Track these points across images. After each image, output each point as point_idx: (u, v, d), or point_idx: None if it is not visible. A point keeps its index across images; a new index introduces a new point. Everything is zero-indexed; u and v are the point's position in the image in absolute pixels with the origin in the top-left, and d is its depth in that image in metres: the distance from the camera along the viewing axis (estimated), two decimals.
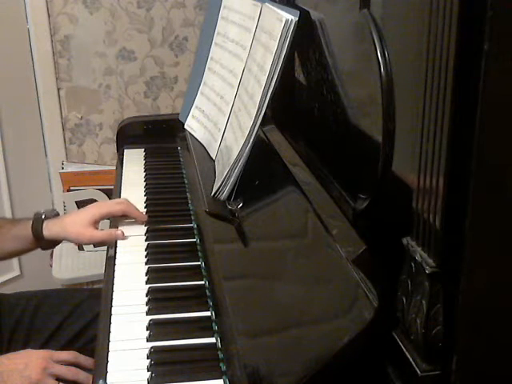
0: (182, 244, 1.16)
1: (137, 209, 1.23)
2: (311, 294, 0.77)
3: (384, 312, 0.64)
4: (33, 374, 0.98)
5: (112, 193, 1.49)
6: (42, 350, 1.06)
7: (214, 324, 0.92)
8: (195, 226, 1.21)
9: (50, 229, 1.19)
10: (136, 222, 1.22)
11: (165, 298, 1.00)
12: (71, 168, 2.19)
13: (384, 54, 0.72)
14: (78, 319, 1.23)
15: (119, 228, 1.20)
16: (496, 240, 0.57)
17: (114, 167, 1.65)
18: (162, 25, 2.19)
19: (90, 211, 1.20)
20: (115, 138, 1.69)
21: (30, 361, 1.01)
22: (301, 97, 1.17)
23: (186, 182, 1.41)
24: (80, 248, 2.03)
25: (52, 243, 1.23)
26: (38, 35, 2.10)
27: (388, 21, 0.74)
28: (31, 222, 1.20)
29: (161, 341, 0.89)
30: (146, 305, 0.98)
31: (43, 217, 1.21)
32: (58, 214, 1.26)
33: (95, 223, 1.18)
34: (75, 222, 1.18)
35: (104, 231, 1.19)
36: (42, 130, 2.21)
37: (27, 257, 1.45)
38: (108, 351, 0.88)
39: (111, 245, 1.16)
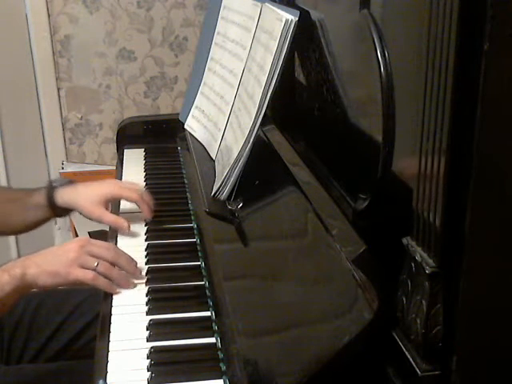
0: (182, 244, 1.16)
1: (148, 204, 1.21)
2: (311, 294, 0.77)
3: (384, 312, 0.64)
4: (70, 253, 0.98)
5: None
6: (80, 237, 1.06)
7: (214, 324, 0.92)
8: (195, 225, 1.21)
9: (62, 196, 1.20)
10: (138, 218, 1.22)
11: (165, 298, 1.00)
12: (71, 168, 2.19)
13: (384, 54, 0.72)
14: (78, 319, 1.23)
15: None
16: (496, 240, 0.57)
17: (114, 167, 1.65)
18: (162, 25, 2.19)
19: (104, 189, 1.19)
20: (115, 138, 1.69)
21: (67, 244, 1.02)
22: (301, 97, 1.17)
23: (185, 181, 1.41)
24: None
25: (66, 210, 1.24)
26: (38, 35, 2.10)
27: (388, 21, 0.74)
28: (46, 190, 1.21)
29: (161, 341, 0.89)
30: (146, 305, 0.97)
31: (55, 184, 1.22)
32: (71, 182, 1.26)
33: (106, 202, 1.18)
34: (87, 197, 1.18)
35: (113, 216, 1.18)
36: (42, 130, 2.21)
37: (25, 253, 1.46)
38: (108, 351, 0.87)
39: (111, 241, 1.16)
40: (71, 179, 1.28)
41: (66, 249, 1.00)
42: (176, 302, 0.98)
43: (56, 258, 0.98)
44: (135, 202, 1.20)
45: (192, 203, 1.30)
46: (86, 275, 0.97)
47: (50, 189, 1.21)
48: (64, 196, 1.20)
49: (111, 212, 1.22)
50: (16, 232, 1.39)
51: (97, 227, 1.80)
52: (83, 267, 0.98)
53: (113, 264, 1.01)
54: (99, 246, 1.02)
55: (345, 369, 0.66)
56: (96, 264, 0.98)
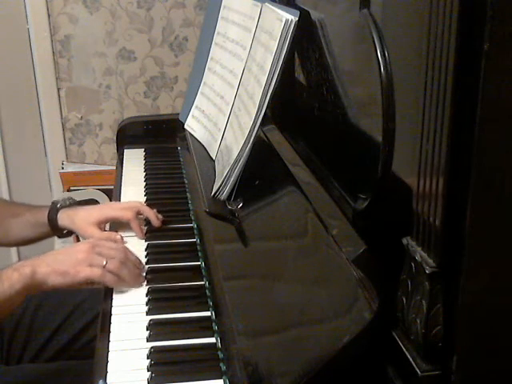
0: (182, 244, 1.16)
1: (140, 226, 1.22)
2: (311, 294, 0.77)
3: (384, 312, 0.64)
4: (80, 254, 1.00)
5: (112, 193, 1.49)
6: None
7: (214, 324, 0.92)
8: (195, 225, 1.21)
9: (62, 219, 1.22)
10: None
11: (165, 298, 1.00)
12: (71, 168, 2.19)
13: (384, 54, 0.72)
14: (78, 319, 1.23)
15: (119, 232, 1.20)
16: (496, 240, 0.57)
17: (114, 167, 1.65)
18: (162, 25, 2.19)
19: (100, 211, 1.22)
20: (115, 138, 1.69)
21: (77, 244, 1.06)
22: (301, 97, 1.17)
23: (186, 181, 1.41)
24: None
25: (67, 232, 1.26)
26: (38, 35, 2.10)
27: (388, 21, 0.74)
28: (48, 211, 1.24)
29: (161, 341, 0.89)
30: (146, 305, 0.98)
31: (58, 206, 1.24)
32: (74, 203, 1.28)
33: (100, 223, 1.20)
34: (84, 218, 1.21)
35: (105, 233, 1.20)
36: (42, 130, 2.21)
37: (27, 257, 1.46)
38: (108, 351, 0.88)
39: None
40: (74, 199, 1.30)
41: (76, 249, 1.02)
42: (176, 302, 0.98)
43: (66, 258, 1.00)
44: (128, 221, 1.20)
45: (192, 203, 1.30)
46: (94, 272, 0.99)
47: (53, 210, 1.24)
48: (64, 219, 1.22)
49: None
50: (13, 245, 1.41)
51: None
52: (92, 266, 0.99)
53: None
54: (109, 247, 1.04)
55: (345, 369, 0.66)
56: (105, 262, 0.99)
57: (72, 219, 1.22)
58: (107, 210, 1.24)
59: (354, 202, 0.82)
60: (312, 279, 0.78)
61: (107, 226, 1.27)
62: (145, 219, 1.23)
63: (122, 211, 1.21)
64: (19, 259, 2.17)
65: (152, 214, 1.21)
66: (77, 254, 1.00)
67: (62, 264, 0.98)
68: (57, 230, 1.24)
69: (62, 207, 1.24)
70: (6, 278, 0.95)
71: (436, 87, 0.56)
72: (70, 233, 1.27)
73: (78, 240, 2.04)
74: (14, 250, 2.18)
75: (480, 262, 0.57)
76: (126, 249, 1.08)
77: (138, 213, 1.22)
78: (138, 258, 1.07)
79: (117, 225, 1.24)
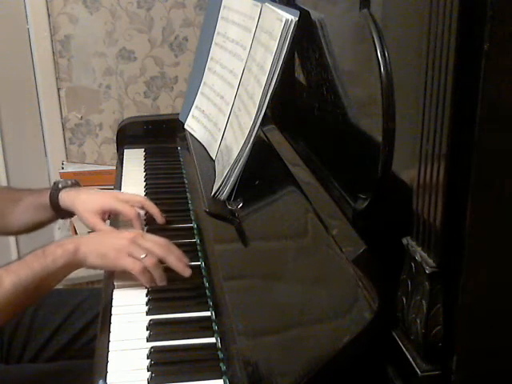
0: (182, 244, 1.16)
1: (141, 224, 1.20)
2: (311, 294, 0.77)
3: (384, 312, 0.64)
4: (122, 240, 1.00)
5: None
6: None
7: (214, 324, 0.92)
8: (195, 225, 1.21)
9: (64, 199, 1.22)
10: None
11: (165, 298, 1.00)
12: (71, 168, 2.19)
13: (384, 54, 0.72)
14: (78, 319, 1.23)
15: (119, 226, 1.20)
16: (496, 240, 0.57)
17: (114, 167, 1.65)
18: (162, 25, 2.19)
19: (103, 200, 1.20)
20: (115, 138, 1.68)
21: (122, 231, 1.09)
22: (301, 97, 1.17)
23: (186, 181, 1.41)
24: None
25: (69, 213, 1.25)
26: (38, 35, 2.10)
27: (388, 21, 0.74)
28: (49, 192, 1.23)
29: (161, 341, 0.89)
30: (146, 305, 0.98)
31: (60, 186, 1.24)
32: (76, 184, 1.28)
33: (103, 213, 1.19)
34: (85, 205, 1.19)
35: (106, 227, 1.19)
36: (42, 130, 2.21)
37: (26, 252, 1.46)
38: (108, 351, 0.88)
39: None
40: (76, 180, 1.30)
41: (119, 235, 1.03)
42: (176, 302, 0.98)
43: (108, 242, 1.01)
44: (130, 219, 1.18)
45: (192, 203, 1.30)
46: (135, 266, 0.98)
47: (54, 191, 1.23)
48: (66, 199, 1.22)
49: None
50: (18, 232, 1.41)
51: None
52: (131, 256, 0.99)
53: (161, 261, 1.01)
54: (151, 241, 1.03)
55: (345, 369, 0.66)
56: (144, 256, 0.99)
57: (73, 202, 1.20)
58: (110, 200, 1.21)
59: (354, 202, 0.82)
60: (312, 279, 0.78)
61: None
62: (144, 219, 1.23)
63: (126, 207, 1.19)
64: (18, 254, 2.17)
65: (156, 211, 1.20)
66: (120, 239, 1.01)
67: (103, 246, 0.99)
68: (59, 212, 1.24)
69: (64, 187, 1.24)
70: (49, 252, 0.96)
71: (436, 87, 0.56)
72: (71, 214, 1.25)
73: (75, 231, 2.05)
74: (13, 245, 2.18)
75: (480, 261, 0.57)
76: (170, 244, 1.04)
77: (141, 208, 1.21)
78: (180, 253, 1.04)
79: (118, 217, 1.23)
